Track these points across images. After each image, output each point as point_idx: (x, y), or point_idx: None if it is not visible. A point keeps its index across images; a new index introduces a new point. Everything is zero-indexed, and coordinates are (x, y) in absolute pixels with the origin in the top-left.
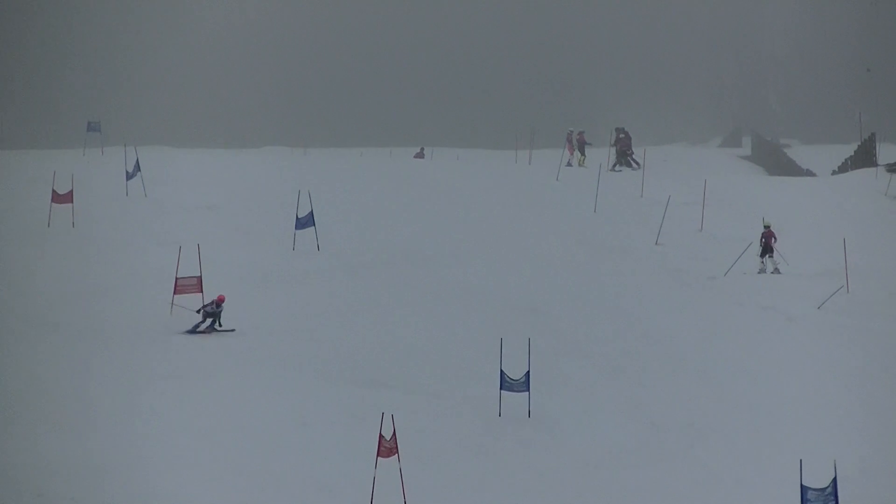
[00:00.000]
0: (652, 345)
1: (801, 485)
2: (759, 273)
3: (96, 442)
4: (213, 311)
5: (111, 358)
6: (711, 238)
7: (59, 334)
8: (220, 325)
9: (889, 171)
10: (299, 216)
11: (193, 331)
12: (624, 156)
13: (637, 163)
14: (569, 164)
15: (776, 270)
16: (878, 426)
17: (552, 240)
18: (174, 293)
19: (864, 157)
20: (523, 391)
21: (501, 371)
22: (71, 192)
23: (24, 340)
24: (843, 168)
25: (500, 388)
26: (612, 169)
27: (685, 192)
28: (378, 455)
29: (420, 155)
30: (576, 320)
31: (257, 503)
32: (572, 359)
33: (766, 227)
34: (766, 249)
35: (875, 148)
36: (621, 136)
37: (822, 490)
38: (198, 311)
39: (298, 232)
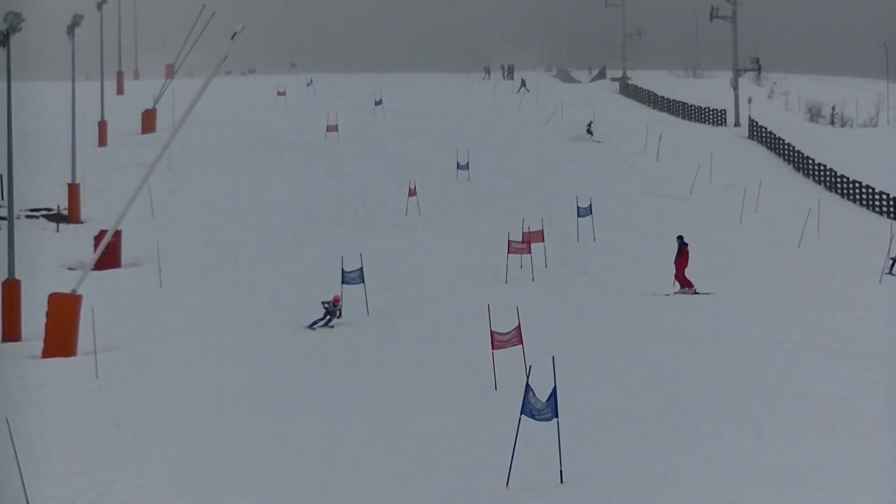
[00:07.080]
0: (513, 151)
1: (577, 215)
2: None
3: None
4: (330, 310)
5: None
6: (534, 108)
7: (269, 145)
8: (339, 318)
9: (612, 80)
10: (376, 100)
11: (312, 326)
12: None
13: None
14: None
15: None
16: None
17: (469, 108)
18: (326, 130)
19: (602, 75)
20: (465, 169)
21: (458, 161)
22: (285, 91)
23: (248, 151)
24: (594, 79)
25: (457, 169)
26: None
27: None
28: (409, 195)
29: None
30: (481, 138)
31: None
32: (484, 152)
33: (590, 122)
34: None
35: (606, 71)
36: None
37: (586, 209)
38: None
39: (377, 106)
